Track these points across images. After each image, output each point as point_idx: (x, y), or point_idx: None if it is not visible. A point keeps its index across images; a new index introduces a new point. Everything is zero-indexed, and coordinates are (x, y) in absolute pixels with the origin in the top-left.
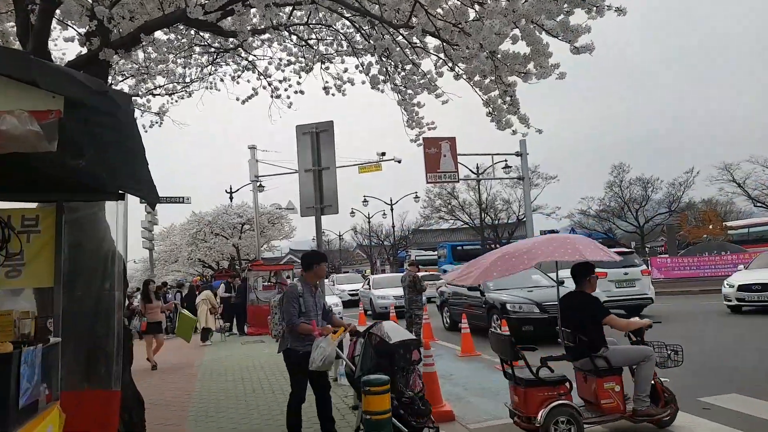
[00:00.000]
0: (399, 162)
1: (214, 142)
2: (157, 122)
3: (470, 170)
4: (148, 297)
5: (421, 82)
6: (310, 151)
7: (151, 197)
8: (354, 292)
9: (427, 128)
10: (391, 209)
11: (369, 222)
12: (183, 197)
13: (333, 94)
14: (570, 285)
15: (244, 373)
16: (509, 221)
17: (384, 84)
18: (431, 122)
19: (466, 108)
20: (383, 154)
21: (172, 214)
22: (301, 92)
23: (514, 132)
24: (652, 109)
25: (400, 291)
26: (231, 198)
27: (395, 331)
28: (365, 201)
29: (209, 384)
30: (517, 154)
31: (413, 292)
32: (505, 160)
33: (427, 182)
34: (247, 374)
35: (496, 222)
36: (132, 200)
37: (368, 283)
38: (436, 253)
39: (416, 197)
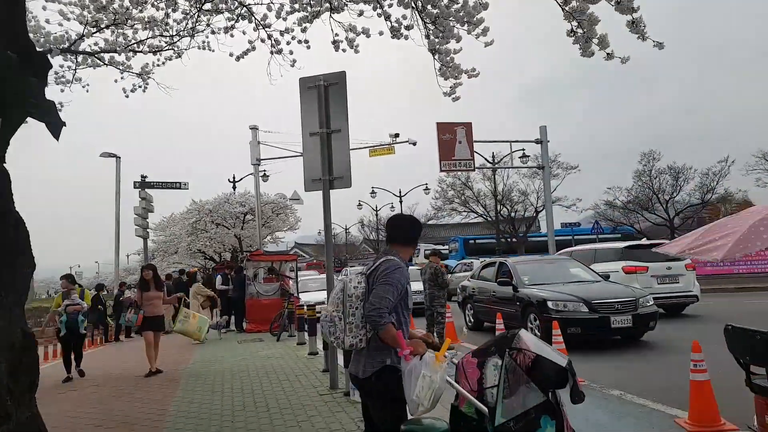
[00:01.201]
0: (414, 144)
1: (213, 127)
2: (140, 86)
3: (485, 159)
4: (145, 285)
5: (461, 14)
6: (316, 110)
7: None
8: None
9: (467, 76)
10: (400, 201)
11: (377, 215)
12: (180, 182)
13: (344, 50)
14: (617, 279)
15: (235, 381)
16: (525, 214)
17: (408, 30)
18: (471, 69)
19: (483, 93)
20: (396, 135)
21: (171, 202)
22: (306, 44)
23: (609, 56)
24: (683, 103)
25: (418, 285)
26: (234, 187)
27: (537, 344)
28: (373, 192)
29: (191, 395)
30: (537, 142)
31: (435, 287)
32: (523, 149)
33: (441, 170)
34: (239, 383)
35: (513, 214)
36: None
37: None
38: (446, 247)
39: (426, 189)
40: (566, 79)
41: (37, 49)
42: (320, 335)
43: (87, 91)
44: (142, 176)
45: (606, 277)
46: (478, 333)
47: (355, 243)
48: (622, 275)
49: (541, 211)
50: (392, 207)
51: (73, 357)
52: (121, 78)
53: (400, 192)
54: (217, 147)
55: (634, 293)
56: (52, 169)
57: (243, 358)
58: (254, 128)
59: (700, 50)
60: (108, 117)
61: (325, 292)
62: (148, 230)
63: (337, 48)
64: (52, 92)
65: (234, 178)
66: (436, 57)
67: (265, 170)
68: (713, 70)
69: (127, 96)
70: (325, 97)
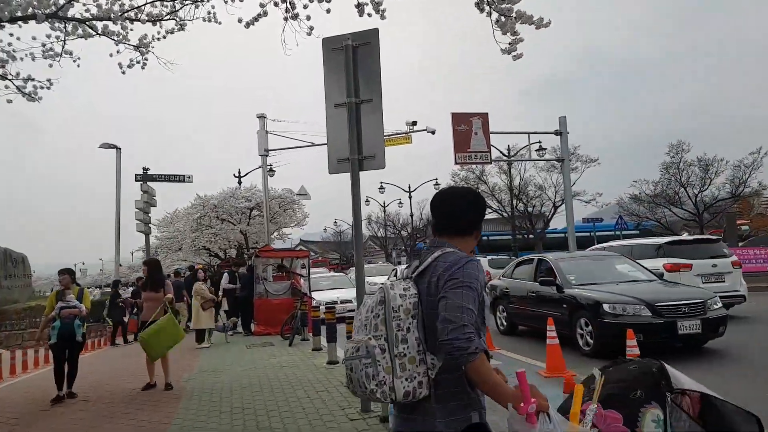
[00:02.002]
0: (433, 133)
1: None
2: (137, 61)
3: (501, 152)
4: (144, 284)
5: None
6: (343, 77)
7: None
8: None
9: (535, 27)
10: (410, 197)
11: (384, 210)
12: (184, 175)
13: (369, 14)
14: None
15: (245, 397)
16: (542, 209)
17: None
18: (539, 18)
19: (496, 84)
20: (414, 123)
21: (175, 198)
22: (328, 1)
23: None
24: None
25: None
26: (240, 182)
27: (689, 379)
28: (382, 188)
29: (194, 415)
30: (556, 133)
31: None
32: (539, 142)
33: (456, 163)
34: (250, 399)
35: (530, 210)
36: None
37: (395, 274)
38: None
39: (436, 184)
40: (567, 75)
41: (19, 13)
42: (341, 346)
43: (78, 65)
44: (144, 169)
45: (660, 275)
46: (513, 338)
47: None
48: (664, 274)
49: (559, 206)
50: (400, 203)
51: (66, 370)
52: (117, 52)
53: (409, 187)
54: (222, 139)
55: (703, 294)
56: (56, 166)
57: (253, 366)
58: (262, 117)
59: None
60: (108, 106)
61: (339, 290)
62: (150, 225)
63: (361, 12)
64: (38, 67)
65: (239, 173)
66: (492, 6)
67: (271, 165)
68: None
69: (123, 72)
70: (353, 60)
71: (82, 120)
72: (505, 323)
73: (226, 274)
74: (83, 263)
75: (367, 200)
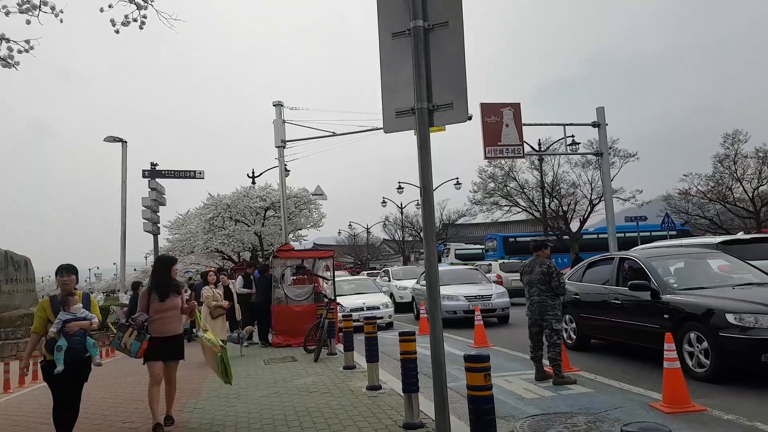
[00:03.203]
0: (470, 119)
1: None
2: (134, 19)
3: (530, 146)
4: (161, 288)
5: None
6: None
7: None
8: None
9: None
10: None
11: (402, 211)
12: (195, 171)
13: None
14: None
15: None
16: (576, 207)
17: None
18: None
19: (528, 75)
20: None
21: (187, 198)
22: None
23: None
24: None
25: (470, 289)
26: (253, 181)
27: None
28: (400, 188)
29: None
30: (594, 125)
31: (546, 293)
32: (572, 136)
33: (486, 157)
34: None
35: (565, 208)
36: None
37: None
38: (481, 246)
39: (457, 184)
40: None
41: None
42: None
43: (61, 21)
44: (152, 164)
45: None
46: (587, 355)
47: (374, 244)
48: None
49: (597, 204)
50: (418, 204)
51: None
52: (109, 6)
53: None
54: (235, 132)
55: None
56: (67, 169)
57: (275, 391)
58: (279, 105)
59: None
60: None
61: (365, 296)
62: (158, 225)
63: None
64: (14, 25)
65: (253, 172)
66: None
67: (286, 165)
68: None
69: (117, 31)
70: None
71: (95, 119)
72: (574, 336)
73: (240, 277)
74: (98, 267)
75: (383, 201)
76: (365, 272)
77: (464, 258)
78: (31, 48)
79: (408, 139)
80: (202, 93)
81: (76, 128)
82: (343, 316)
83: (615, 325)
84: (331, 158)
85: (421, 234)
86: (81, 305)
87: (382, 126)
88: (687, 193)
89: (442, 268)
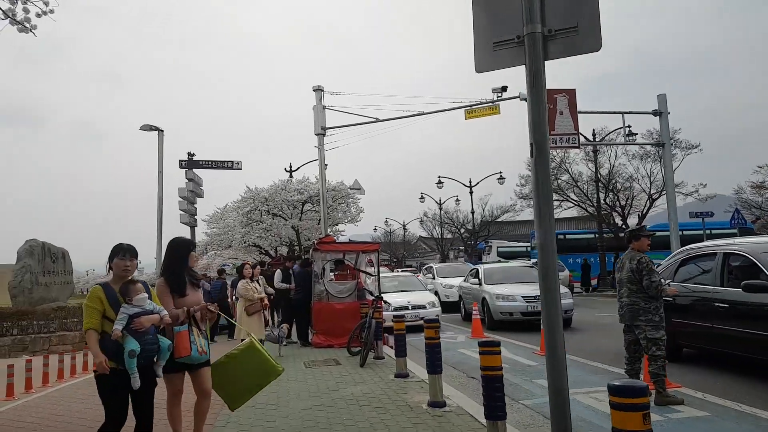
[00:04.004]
0: (527, 99)
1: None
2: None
3: (584, 137)
4: (176, 280)
5: None
6: None
7: None
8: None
9: None
10: (470, 192)
11: (440, 207)
12: (232, 161)
13: None
14: None
15: None
16: (632, 202)
17: None
18: None
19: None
20: (503, 89)
21: (225, 191)
22: None
23: None
24: None
25: (528, 288)
26: (291, 175)
27: None
28: (440, 182)
29: None
30: (655, 113)
31: (638, 294)
32: (629, 126)
33: None
34: None
35: (622, 203)
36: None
37: (476, 276)
38: (525, 244)
39: (501, 178)
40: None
41: None
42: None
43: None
44: (189, 154)
45: None
46: (679, 366)
47: (410, 241)
48: None
49: (656, 198)
50: (457, 200)
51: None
52: None
53: (470, 182)
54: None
55: None
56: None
57: (319, 402)
58: (319, 90)
59: None
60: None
61: (409, 293)
62: (195, 217)
63: None
64: None
65: (291, 166)
66: None
67: (322, 162)
68: None
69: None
70: None
71: (134, 113)
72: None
73: (279, 272)
74: (140, 261)
75: (421, 197)
76: (400, 270)
77: (507, 256)
78: (51, 11)
79: (451, 129)
80: (240, 84)
81: (118, 125)
82: (394, 316)
83: (721, 332)
84: (367, 154)
85: (461, 230)
86: (146, 295)
87: (427, 110)
88: (761, 186)
89: (493, 265)
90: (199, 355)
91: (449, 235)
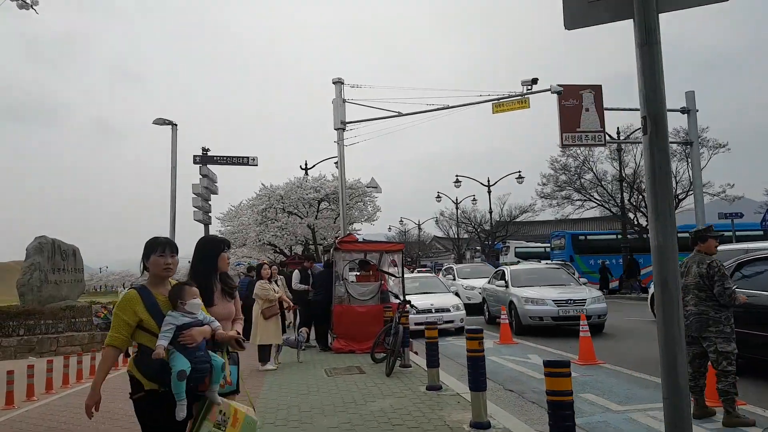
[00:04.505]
0: (559, 94)
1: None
2: None
3: (609, 135)
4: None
5: None
6: None
7: None
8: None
9: None
10: (489, 192)
11: (457, 207)
12: (248, 157)
13: None
14: None
15: None
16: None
17: None
18: None
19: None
20: (534, 81)
21: (240, 188)
22: None
23: None
24: None
25: (559, 291)
26: (306, 173)
27: None
28: (457, 181)
29: None
30: (683, 111)
31: (706, 301)
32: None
33: (562, 144)
34: None
35: (645, 204)
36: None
37: (502, 278)
38: (543, 245)
39: (519, 177)
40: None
41: None
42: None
43: None
44: (204, 149)
45: None
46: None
47: (425, 240)
48: None
49: (682, 198)
50: (474, 199)
51: None
52: None
53: (488, 181)
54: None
55: None
56: (131, 160)
57: (346, 419)
58: (338, 83)
59: None
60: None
61: (433, 296)
62: (209, 215)
63: None
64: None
65: (306, 164)
66: None
67: (334, 159)
68: None
69: None
70: None
71: (149, 108)
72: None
73: (297, 272)
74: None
75: (438, 196)
76: (418, 270)
77: (525, 257)
78: None
79: (470, 129)
80: (256, 79)
81: (132, 122)
82: (426, 321)
83: None
84: (384, 152)
85: (478, 230)
86: (200, 301)
87: (453, 104)
88: None
89: (521, 266)
90: (223, 388)
91: (465, 235)
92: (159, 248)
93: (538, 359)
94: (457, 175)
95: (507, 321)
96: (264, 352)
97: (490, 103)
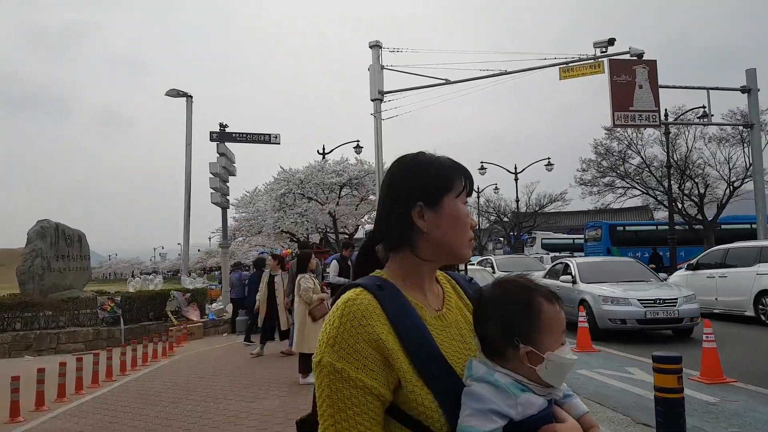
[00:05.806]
0: (639, 57)
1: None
2: None
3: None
4: None
5: None
6: None
7: None
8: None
9: None
10: (516, 180)
11: (479, 196)
12: (270, 135)
13: None
14: None
15: None
16: (705, 191)
17: None
18: None
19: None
20: (610, 42)
21: (257, 172)
22: None
23: None
24: None
25: (644, 290)
26: (323, 157)
27: None
28: (482, 168)
29: None
30: (743, 90)
31: None
32: (703, 107)
33: (614, 125)
34: None
35: (702, 190)
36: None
37: (566, 272)
38: (571, 236)
39: (549, 164)
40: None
41: None
42: None
43: None
44: (221, 125)
45: None
46: None
47: None
48: None
49: (738, 186)
50: (496, 188)
51: None
52: None
53: (515, 168)
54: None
55: None
56: (137, 148)
57: None
58: (376, 46)
59: None
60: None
61: None
62: (227, 198)
63: None
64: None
65: (323, 149)
66: None
67: (359, 141)
68: None
69: None
70: None
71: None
72: None
73: (335, 262)
74: (162, 247)
75: None
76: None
77: (552, 249)
78: None
79: (496, 111)
80: (282, 55)
81: (144, 106)
82: None
83: None
84: (408, 140)
85: (503, 219)
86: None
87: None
88: None
89: (589, 259)
90: None
91: (487, 224)
92: (458, 181)
93: (645, 375)
94: (482, 162)
95: (585, 323)
96: (307, 362)
97: (557, 67)
